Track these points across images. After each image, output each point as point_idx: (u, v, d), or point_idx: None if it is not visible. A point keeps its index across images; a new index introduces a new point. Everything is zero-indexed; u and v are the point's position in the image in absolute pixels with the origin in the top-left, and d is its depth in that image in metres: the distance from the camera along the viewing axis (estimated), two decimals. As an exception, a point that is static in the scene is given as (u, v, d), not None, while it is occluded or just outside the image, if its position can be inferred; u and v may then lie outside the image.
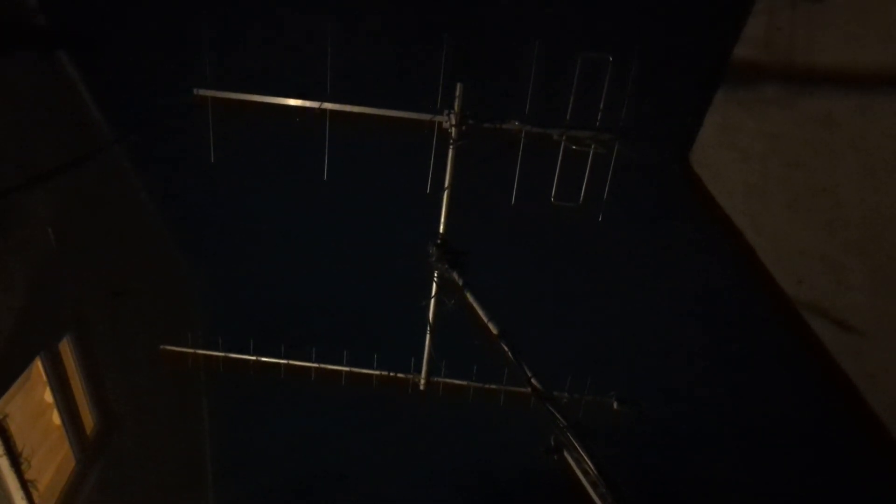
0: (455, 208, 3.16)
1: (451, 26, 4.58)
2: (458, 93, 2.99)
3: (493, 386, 3.39)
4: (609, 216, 3.36)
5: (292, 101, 3.16)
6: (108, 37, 4.75)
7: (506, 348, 2.41)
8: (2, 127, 3.74)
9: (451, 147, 3.06)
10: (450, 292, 2.98)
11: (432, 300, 3.25)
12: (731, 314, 5.64)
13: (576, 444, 1.95)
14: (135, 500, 5.10)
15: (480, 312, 2.62)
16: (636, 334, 5.81)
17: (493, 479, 7.05)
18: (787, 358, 5.31)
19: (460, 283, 2.85)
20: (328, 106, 3.14)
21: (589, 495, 1.85)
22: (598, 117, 3.05)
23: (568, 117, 3.07)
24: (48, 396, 4.13)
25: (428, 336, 3.37)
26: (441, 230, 3.16)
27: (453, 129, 3.03)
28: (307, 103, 3.15)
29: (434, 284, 3.17)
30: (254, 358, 3.56)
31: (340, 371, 3.53)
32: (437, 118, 3.06)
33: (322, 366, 3.54)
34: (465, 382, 3.45)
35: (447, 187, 3.13)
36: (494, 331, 2.51)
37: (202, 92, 3.15)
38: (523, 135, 3.07)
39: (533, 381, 2.27)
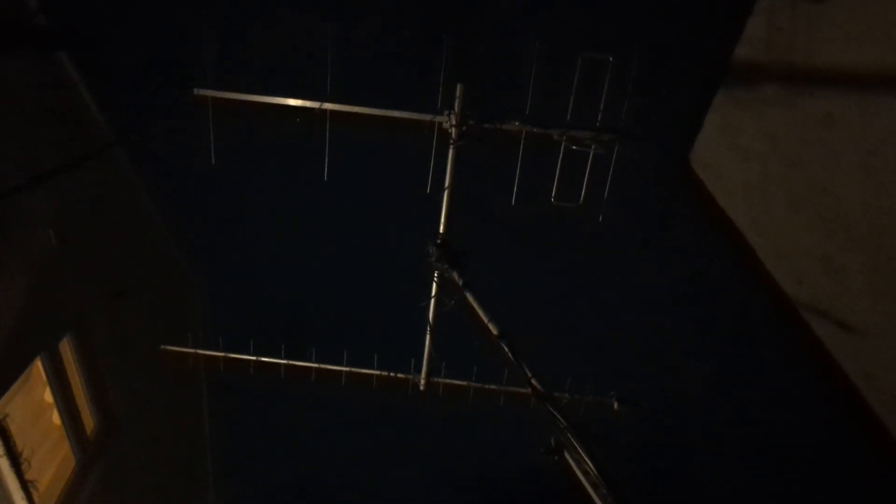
0: (455, 208, 3.16)
1: (451, 26, 4.59)
2: (458, 93, 2.99)
3: (493, 386, 3.39)
4: (609, 216, 3.36)
5: (292, 101, 3.16)
6: (108, 37, 4.75)
7: (506, 348, 2.41)
8: (2, 127, 3.74)
9: (451, 147, 3.06)
10: (450, 292, 2.98)
11: (432, 300, 3.25)
12: (731, 314, 5.64)
13: (576, 445, 1.95)
14: (135, 500, 5.10)
15: (480, 312, 2.61)
16: (636, 334, 5.81)
17: (493, 480, 7.05)
18: (787, 358, 5.31)
19: (460, 283, 2.85)
20: (328, 106, 3.14)
21: (589, 496, 1.85)
22: (599, 117, 3.05)
23: (568, 117, 3.07)
24: (48, 396, 4.13)
25: (428, 336, 3.37)
26: (441, 230, 3.16)
27: (453, 129, 3.03)
28: (307, 103, 3.15)
29: (434, 284, 3.17)
30: (254, 358, 3.56)
31: (340, 371, 3.53)
32: (437, 118, 3.06)
33: (322, 366, 3.54)
34: (465, 383, 3.45)
35: (447, 187, 3.13)
36: (494, 331, 2.50)
37: (202, 92, 3.15)
38: (523, 135, 3.07)
39: (533, 381, 2.26)
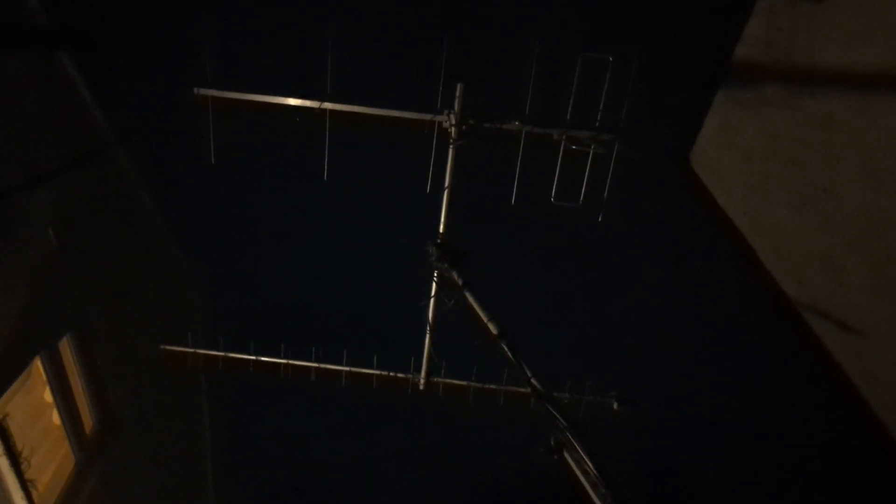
0: (455, 208, 3.16)
1: (451, 26, 4.59)
2: (458, 93, 2.99)
3: (493, 386, 3.38)
4: (609, 216, 3.36)
5: (292, 101, 3.16)
6: (109, 37, 4.75)
7: (506, 348, 2.41)
8: (2, 127, 3.74)
9: (451, 147, 3.06)
10: (450, 292, 2.98)
11: (432, 300, 3.25)
12: (731, 314, 5.63)
13: (576, 445, 1.95)
14: (135, 500, 5.10)
15: (480, 312, 2.61)
16: (636, 334, 5.81)
17: (493, 479, 7.05)
18: (787, 358, 5.31)
19: (460, 283, 2.85)
20: (328, 106, 3.14)
21: (589, 496, 1.85)
22: (598, 117, 3.05)
23: (568, 117, 3.07)
24: (48, 396, 4.13)
25: (428, 336, 3.37)
26: (441, 230, 3.16)
27: (453, 129, 3.03)
28: (307, 103, 3.15)
29: (434, 284, 3.17)
30: (254, 358, 3.56)
31: (340, 371, 3.53)
32: (437, 118, 3.06)
33: (322, 366, 3.54)
34: (465, 382, 3.45)
35: (447, 187, 3.13)
36: (494, 331, 2.50)
37: (202, 92, 3.15)
38: (523, 135, 3.07)
39: (533, 381, 2.27)
